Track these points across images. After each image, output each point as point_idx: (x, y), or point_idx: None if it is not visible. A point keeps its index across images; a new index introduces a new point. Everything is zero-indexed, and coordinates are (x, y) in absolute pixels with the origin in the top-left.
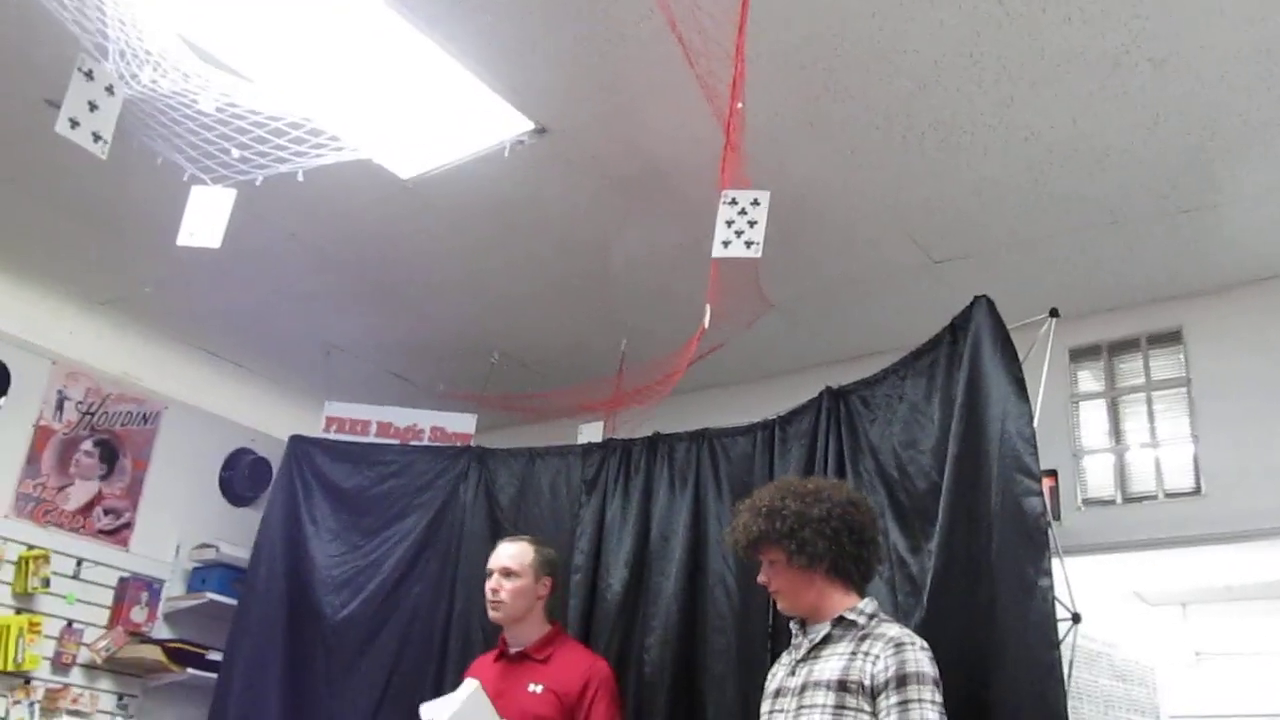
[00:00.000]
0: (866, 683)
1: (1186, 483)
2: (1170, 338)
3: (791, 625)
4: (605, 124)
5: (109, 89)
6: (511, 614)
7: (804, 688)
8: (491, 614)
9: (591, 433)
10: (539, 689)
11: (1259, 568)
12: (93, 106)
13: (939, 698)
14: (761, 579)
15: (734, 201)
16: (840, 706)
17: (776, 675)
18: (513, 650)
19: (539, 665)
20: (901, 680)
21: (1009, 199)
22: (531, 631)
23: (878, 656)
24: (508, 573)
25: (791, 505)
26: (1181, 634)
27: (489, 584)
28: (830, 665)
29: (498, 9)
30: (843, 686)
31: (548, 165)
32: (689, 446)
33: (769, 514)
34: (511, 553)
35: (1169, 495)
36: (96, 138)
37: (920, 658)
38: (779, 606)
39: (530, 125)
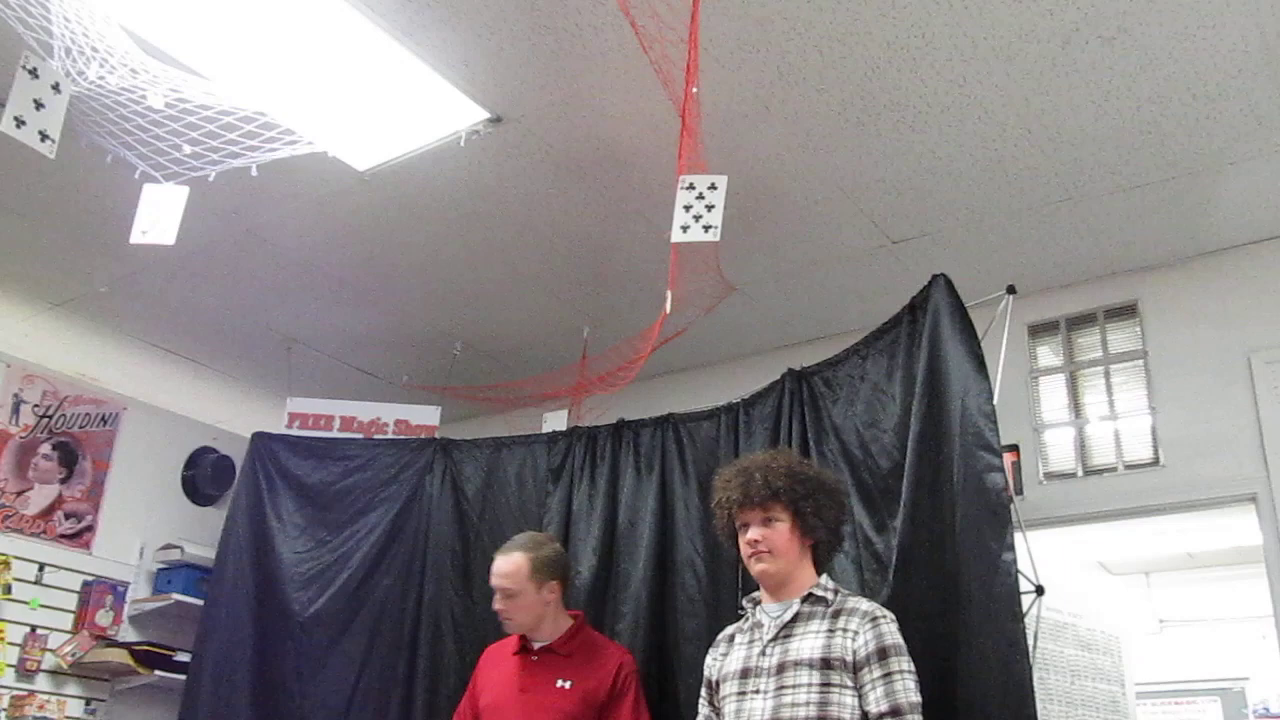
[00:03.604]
0: (848, 659)
1: (1145, 454)
2: (1126, 311)
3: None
4: (561, 112)
5: (55, 86)
6: (525, 626)
7: (781, 667)
8: (508, 628)
9: (556, 421)
10: (568, 684)
11: (1218, 535)
12: (39, 104)
13: (913, 666)
14: (755, 534)
15: (691, 186)
16: (826, 684)
17: (734, 655)
18: (536, 646)
19: (565, 660)
20: (882, 653)
21: (964, 178)
22: (552, 629)
23: (856, 632)
24: (507, 594)
25: (808, 471)
26: (1145, 602)
27: (495, 601)
28: (808, 644)
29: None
30: (826, 664)
31: (504, 154)
32: (654, 432)
33: (789, 474)
34: (506, 571)
35: (1128, 467)
36: (44, 136)
37: (893, 629)
38: (761, 566)
39: (485, 115)
